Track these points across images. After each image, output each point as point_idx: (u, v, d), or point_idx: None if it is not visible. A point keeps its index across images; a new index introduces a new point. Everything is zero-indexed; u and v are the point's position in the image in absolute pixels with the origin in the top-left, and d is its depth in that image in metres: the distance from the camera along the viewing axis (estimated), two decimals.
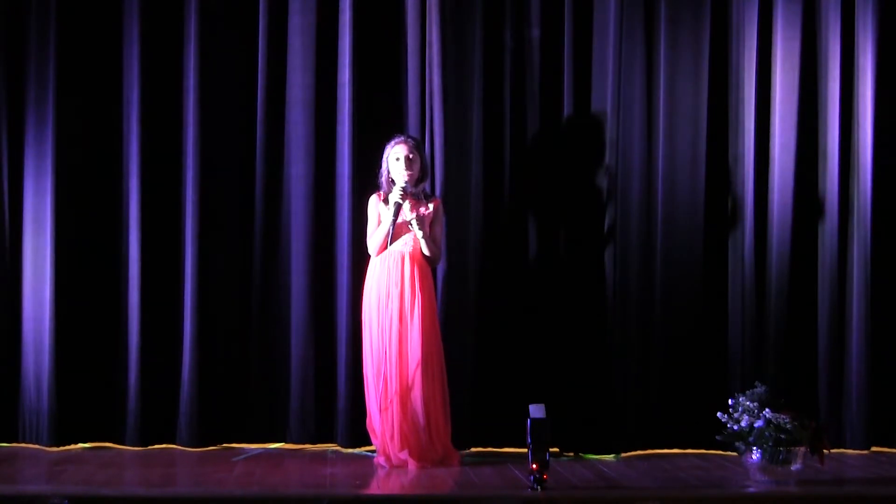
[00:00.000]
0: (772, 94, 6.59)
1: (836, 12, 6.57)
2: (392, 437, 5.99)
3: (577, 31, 6.57)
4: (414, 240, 6.12)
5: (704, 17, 6.61)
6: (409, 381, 5.99)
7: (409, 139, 6.20)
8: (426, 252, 6.13)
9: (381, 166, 6.18)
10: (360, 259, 6.37)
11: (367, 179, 6.34)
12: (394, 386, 5.98)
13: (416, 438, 5.96)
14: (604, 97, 6.56)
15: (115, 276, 6.53)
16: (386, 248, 6.10)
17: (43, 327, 6.46)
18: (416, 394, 5.98)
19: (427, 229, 6.12)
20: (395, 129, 6.38)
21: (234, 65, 6.60)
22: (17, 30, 6.51)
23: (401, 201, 6.06)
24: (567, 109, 6.57)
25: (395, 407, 5.98)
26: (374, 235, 6.14)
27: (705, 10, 6.61)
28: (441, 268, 6.37)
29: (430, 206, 6.17)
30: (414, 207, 6.13)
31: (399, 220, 6.07)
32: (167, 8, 6.54)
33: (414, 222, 6.07)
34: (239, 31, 6.61)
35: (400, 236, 6.10)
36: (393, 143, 6.17)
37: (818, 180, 6.63)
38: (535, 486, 5.36)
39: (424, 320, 6.02)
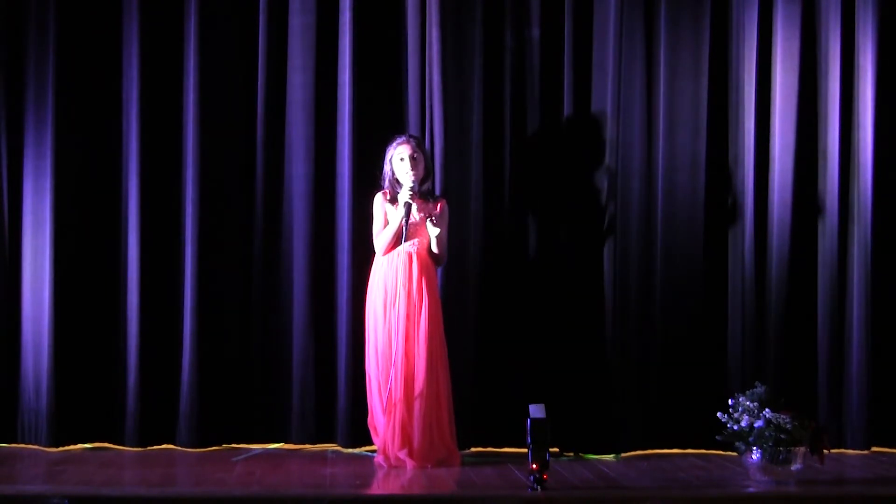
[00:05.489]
0: (772, 94, 6.59)
1: (836, 12, 6.57)
2: (394, 436, 5.98)
3: (577, 31, 6.57)
4: (420, 241, 6.11)
5: (704, 17, 6.62)
6: (415, 381, 5.98)
7: (412, 138, 6.21)
8: (436, 251, 6.13)
9: (382, 167, 6.17)
10: (361, 259, 6.38)
11: (368, 179, 6.35)
12: (399, 385, 5.98)
13: (418, 439, 5.96)
14: (604, 97, 6.56)
15: (114, 276, 6.53)
16: (395, 247, 6.10)
17: (42, 328, 6.46)
18: (421, 394, 5.97)
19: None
20: (395, 129, 6.38)
21: (234, 65, 6.60)
22: (16, 29, 6.51)
23: (411, 202, 6.06)
24: (567, 109, 6.57)
25: (400, 406, 5.97)
26: (382, 235, 6.13)
27: (705, 10, 6.62)
28: (440, 268, 6.37)
29: (438, 206, 6.17)
30: (422, 207, 6.13)
31: (410, 220, 6.07)
32: (167, 8, 6.54)
33: (434, 220, 6.06)
34: (239, 31, 6.61)
35: (410, 237, 6.09)
36: (395, 143, 6.17)
37: (818, 180, 6.63)
38: (535, 486, 5.36)
39: (431, 320, 6.02)
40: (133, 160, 6.50)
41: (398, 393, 5.98)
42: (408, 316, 6.02)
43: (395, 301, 6.04)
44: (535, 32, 6.61)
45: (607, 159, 6.56)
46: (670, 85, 6.61)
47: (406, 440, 5.97)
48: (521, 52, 6.63)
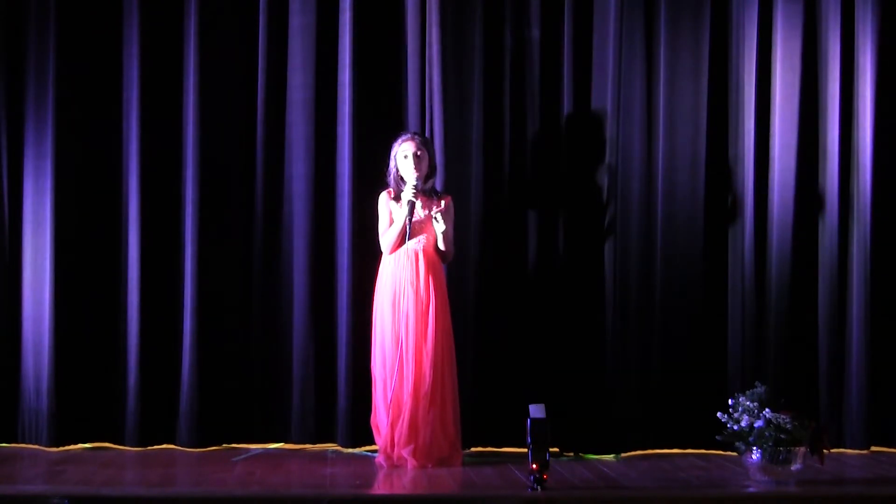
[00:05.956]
0: (772, 94, 6.59)
1: (836, 12, 6.57)
2: (399, 434, 5.97)
3: (577, 31, 6.58)
4: (426, 238, 6.11)
5: (704, 17, 6.62)
6: (423, 379, 5.98)
7: (416, 136, 6.20)
8: (442, 248, 6.13)
9: (388, 164, 6.17)
10: (361, 259, 6.38)
11: (368, 179, 6.35)
12: (407, 384, 5.98)
13: (422, 437, 5.96)
14: (604, 97, 6.57)
15: (115, 276, 6.53)
16: (400, 245, 6.09)
17: (42, 327, 6.46)
18: (427, 392, 5.97)
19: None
20: (395, 129, 6.38)
21: (234, 65, 6.60)
22: (16, 29, 6.51)
23: (414, 199, 6.06)
24: (567, 109, 6.58)
25: (407, 404, 5.97)
26: (387, 233, 6.12)
27: (705, 10, 6.62)
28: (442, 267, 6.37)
29: (442, 202, 6.16)
30: (426, 205, 6.13)
31: (414, 218, 6.07)
32: (167, 8, 6.54)
33: (439, 216, 6.05)
34: (239, 31, 6.61)
35: (416, 234, 6.09)
36: (400, 140, 6.17)
37: (818, 180, 6.63)
38: (535, 486, 5.36)
39: (438, 318, 6.02)
40: (133, 160, 6.50)
41: (406, 389, 5.97)
42: (416, 313, 6.01)
43: (402, 299, 6.04)
44: (535, 33, 6.61)
45: (607, 159, 6.56)
46: (670, 85, 6.61)
47: (410, 438, 5.97)
48: (521, 52, 6.62)
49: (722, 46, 6.65)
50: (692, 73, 6.62)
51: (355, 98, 6.50)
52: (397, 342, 6.02)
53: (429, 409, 5.97)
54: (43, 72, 6.47)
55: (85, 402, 6.48)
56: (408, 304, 6.03)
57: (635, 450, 6.51)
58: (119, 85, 6.54)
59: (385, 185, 6.21)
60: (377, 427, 6.10)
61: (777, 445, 5.59)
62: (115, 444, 6.50)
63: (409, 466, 5.94)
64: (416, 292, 6.04)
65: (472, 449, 6.44)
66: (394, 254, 6.11)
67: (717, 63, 6.63)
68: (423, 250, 6.11)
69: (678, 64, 6.62)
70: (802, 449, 5.63)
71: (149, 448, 6.46)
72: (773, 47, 6.60)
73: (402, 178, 6.14)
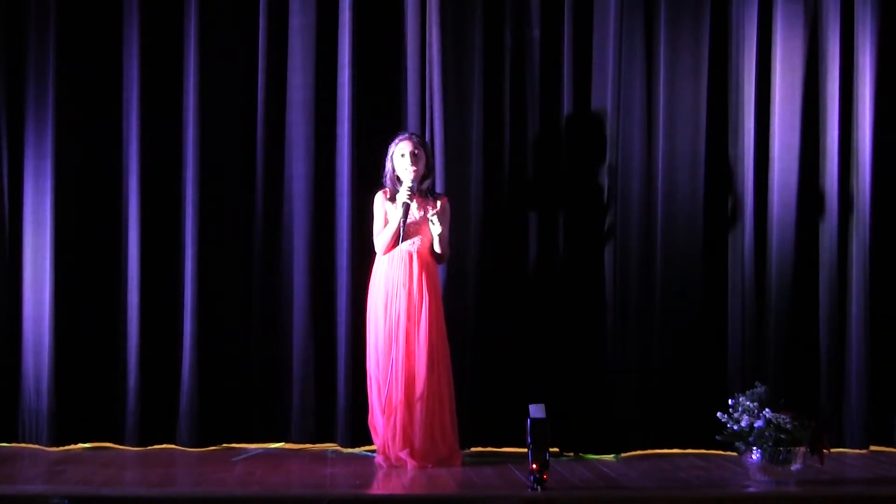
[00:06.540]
0: (772, 94, 6.59)
1: (835, 12, 6.57)
2: (395, 436, 5.98)
3: (577, 31, 6.58)
4: (421, 239, 6.11)
5: (704, 17, 6.62)
6: (416, 381, 5.97)
7: (414, 135, 6.20)
8: (438, 250, 6.12)
9: (385, 164, 6.17)
10: (360, 259, 6.38)
11: (367, 179, 6.35)
12: (400, 386, 5.97)
13: (419, 438, 5.96)
14: (604, 97, 6.57)
15: (115, 276, 6.53)
16: (394, 247, 6.09)
17: (42, 327, 6.46)
18: (423, 394, 5.97)
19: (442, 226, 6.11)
20: (395, 128, 6.38)
21: (234, 65, 6.60)
22: (16, 30, 6.51)
23: (409, 201, 6.05)
24: (567, 109, 6.58)
25: (401, 406, 5.97)
26: (382, 234, 6.12)
27: (705, 10, 6.62)
28: (441, 267, 6.37)
29: (438, 203, 6.16)
30: (422, 206, 6.12)
31: (409, 219, 6.06)
32: (167, 8, 6.54)
33: (435, 219, 6.05)
34: (239, 31, 6.61)
35: (410, 236, 6.09)
36: (397, 139, 6.16)
37: (818, 180, 6.63)
38: (535, 486, 5.36)
39: (431, 320, 6.01)
40: (133, 160, 6.50)
41: (399, 394, 5.97)
42: (408, 315, 6.01)
43: (395, 300, 6.04)
44: (536, 33, 6.61)
45: (607, 159, 6.56)
46: (670, 85, 6.61)
47: (407, 441, 5.97)
48: (521, 52, 6.62)
49: (722, 46, 6.65)
50: (692, 73, 6.62)
51: (355, 98, 6.50)
52: (390, 344, 6.01)
53: (424, 411, 5.97)
54: (43, 72, 6.47)
55: (85, 402, 6.48)
56: (400, 306, 6.02)
57: (635, 450, 6.51)
58: (119, 85, 6.54)
59: (384, 185, 6.21)
60: (375, 428, 6.10)
61: (777, 445, 5.59)
62: (115, 444, 6.50)
63: (409, 467, 5.94)
64: (410, 294, 6.03)
65: (472, 449, 6.44)
66: (388, 255, 6.11)
67: (717, 63, 6.63)
68: (418, 252, 6.10)
69: (678, 64, 6.62)
70: (802, 449, 5.63)
71: (149, 448, 6.46)
72: (773, 47, 6.60)
73: (398, 178, 6.14)
